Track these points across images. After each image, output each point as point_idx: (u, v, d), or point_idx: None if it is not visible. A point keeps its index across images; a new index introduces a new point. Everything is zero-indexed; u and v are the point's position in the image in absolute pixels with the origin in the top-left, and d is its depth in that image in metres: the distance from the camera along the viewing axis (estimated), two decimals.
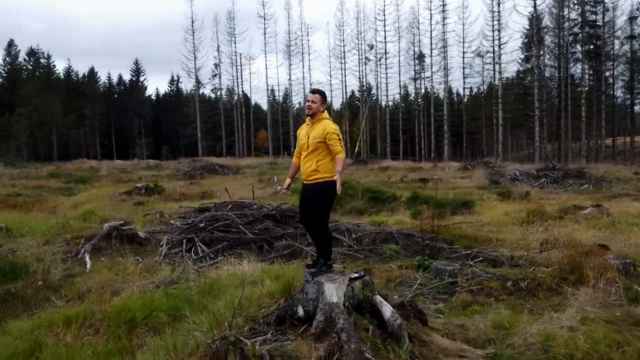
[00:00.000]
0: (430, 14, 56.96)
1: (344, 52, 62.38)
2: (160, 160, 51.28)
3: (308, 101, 4.55)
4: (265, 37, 63.28)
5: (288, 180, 4.88)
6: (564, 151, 48.11)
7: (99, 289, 6.31)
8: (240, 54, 65.80)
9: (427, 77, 59.22)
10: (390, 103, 64.08)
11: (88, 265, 7.76)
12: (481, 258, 8.16)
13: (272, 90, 75.06)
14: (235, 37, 64.01)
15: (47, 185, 23.80)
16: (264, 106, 75.80)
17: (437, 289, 6.71)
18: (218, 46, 64.59)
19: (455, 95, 71.35)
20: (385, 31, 59.35)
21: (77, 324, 4.73)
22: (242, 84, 68.79)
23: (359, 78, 62.18)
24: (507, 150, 56.12)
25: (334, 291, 4.12)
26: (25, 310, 5.78)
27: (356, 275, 4.53)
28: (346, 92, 65.59)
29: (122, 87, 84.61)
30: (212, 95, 75.27)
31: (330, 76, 65.04)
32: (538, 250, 8.81)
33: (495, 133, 50.95)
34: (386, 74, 60.42)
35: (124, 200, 17.09)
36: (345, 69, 63.14)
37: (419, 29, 58.48)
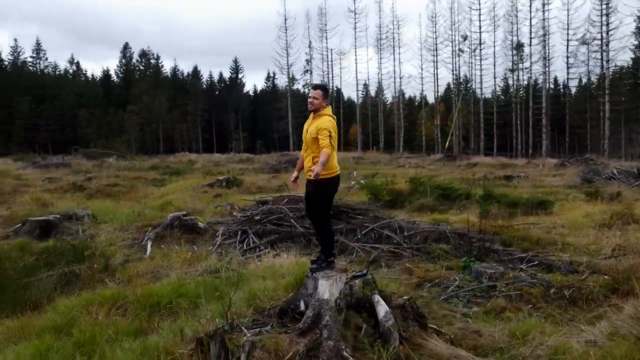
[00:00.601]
0: (530, 1, 53.49)
1: (436, 44, 60.63)
2: (254, 154, 53.47)
3: (310, 97, 4.58)
4: (355, 32, 63.37)
5: (295, 174, 4.92)
6: None
7: (145, 273, 6.85)
8: (331, 50, 66.53)
9: (526, 68, 55.76)
10: (485, 96, 61.27)
11: (148, 252, 8.41)
12: (536, 262, 7.68)
13: (365, 85, 75.07)
14: (326, 32, 64.81)
15: (144, 176, 25.87)
16: (356, 101, 75.94)
17: (474, 292, 6.44)
18: (310, 42, 65.80)
19: (561, 87, 66.50)
20: (480, 21, 56.76)
21: (109, 304, 5.20)
22: (332, 79, 69.49)
23: (452, 71, 60.13)
24: (619, 146, 51.19)
25: (326, 288, 4.16)
26: (80, 289, 6.44)
27: (358, 273, 4.52)
28: (438, 85, 63.73)
29: (222, 85, 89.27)
30: (304, 91, 76.87)
31: (422, 69, 63.58)
32: (606, 256, 8.08)
33: (602, 127, 46.75)
34: (480, 65, 57.79)
35: (206, 192, 18.13)
36: (437, 62, 61.36)
37: (517, 17, 55.16)
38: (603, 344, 4.20)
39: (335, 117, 4.60)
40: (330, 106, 4.65)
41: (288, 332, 3.97)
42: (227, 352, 3.65)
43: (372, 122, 66.25)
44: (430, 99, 69.82)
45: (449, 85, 70.91)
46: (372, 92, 76.92)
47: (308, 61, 66.42)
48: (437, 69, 61.80)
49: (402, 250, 8.51)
